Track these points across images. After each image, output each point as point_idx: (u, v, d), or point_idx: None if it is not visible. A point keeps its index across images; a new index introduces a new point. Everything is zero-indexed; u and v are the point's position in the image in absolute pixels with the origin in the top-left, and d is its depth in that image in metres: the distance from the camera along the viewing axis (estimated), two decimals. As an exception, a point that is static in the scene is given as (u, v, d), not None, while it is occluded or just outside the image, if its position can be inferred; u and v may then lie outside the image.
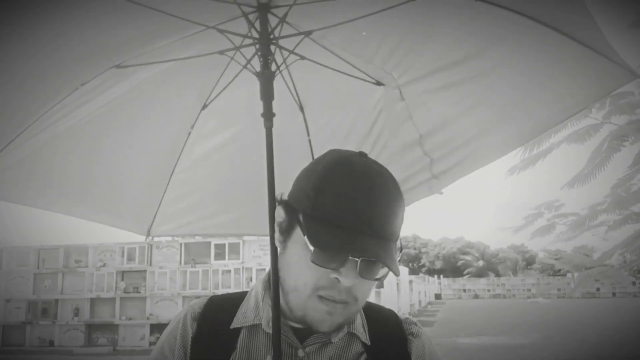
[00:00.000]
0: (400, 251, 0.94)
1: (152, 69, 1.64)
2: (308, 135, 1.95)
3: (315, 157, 1.91)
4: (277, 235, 0.97)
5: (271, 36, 1.46)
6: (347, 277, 0.87)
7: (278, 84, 1.47)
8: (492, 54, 1.62)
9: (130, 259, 12.60)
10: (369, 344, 1.01)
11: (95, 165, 1.88)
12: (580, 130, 4.54)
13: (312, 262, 0.86)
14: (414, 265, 63.90)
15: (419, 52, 1.69)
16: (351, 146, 1.93)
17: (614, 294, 43.66)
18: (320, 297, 0.90)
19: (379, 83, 1.80)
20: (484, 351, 11.97)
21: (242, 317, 1.01)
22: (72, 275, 12.84)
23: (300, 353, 0.97)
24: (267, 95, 1.40)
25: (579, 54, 1.48)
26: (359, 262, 0.85)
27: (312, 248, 0.86)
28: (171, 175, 2.02)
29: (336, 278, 0.87)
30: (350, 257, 0.86)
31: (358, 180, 0.88)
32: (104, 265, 12.68)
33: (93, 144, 1.81)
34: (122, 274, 12.60)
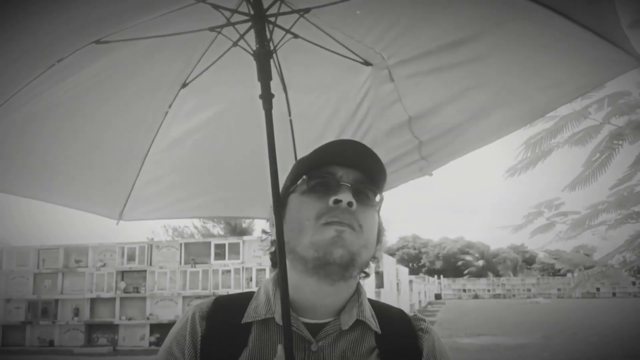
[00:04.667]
0: (381, 201, 1.06)
1: (134, 46, 1.55)
2: (289, 115, 1.90)
3: (296, 137, 1.91)
4: (270, 225, 1.08)
5: (267, 13, 1.40)
6: (344, 195, 0.97)
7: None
8: (488, 37, 1.58)
9: (130, 259, 12.60)
10: (380, 332, 1.03)
11: (65, 146, 1.76)
12: (580, 132, 4.53)
13: (311, 191, 1.00)
14: (414, 265, 63.90)
15: (413, 33, 1.66)
16: (335, 126, 1.91)
17: (614, 294, 43.66)
18: (326, 224, 0.97)
19: (367, 63, 1.76)
20: (484, 351, 11.97)
21: (253, 312, 1.01)
22: (72, 275, 12.84)
23: (314, 347, 0.97)
24: (265, 75, 1.34)
25: (581, 38, 1.45)
26: (350, 187, 0.99)
27: (307, 185, 1.01)
28: (145, 157, 1.92)
29: (335, 199, 0.97)
30: (342, 183, 0.99)
31: (344, 141, 1.05)
32: (104, 265, 12.68)
33: (63, 124, 1.70)
34: (122, 274, 12.59)
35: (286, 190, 1.07)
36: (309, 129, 1.90)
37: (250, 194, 1.99)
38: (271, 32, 1.42)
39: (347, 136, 1.88)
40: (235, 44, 1.51)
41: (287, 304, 0.97)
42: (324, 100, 1.91)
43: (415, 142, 1.86)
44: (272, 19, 1.43)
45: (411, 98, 1.81)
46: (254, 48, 1.36)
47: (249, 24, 1.42)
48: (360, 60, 1.75)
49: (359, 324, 1.02)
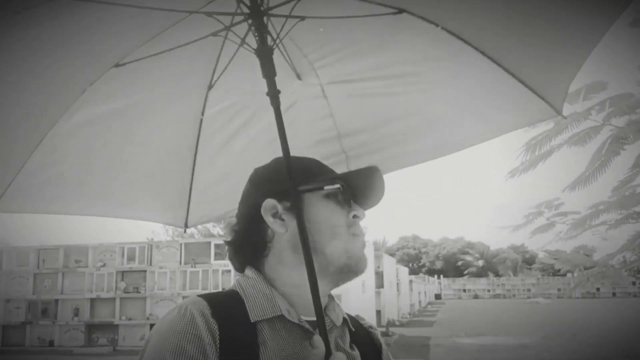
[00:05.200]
0: None
1: (153, 63, 1.60)
2: (202, 115, 1.92)
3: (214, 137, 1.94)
4: (277, 222, 1.08)
5: (262, 8, 1.40)
6: (362, 210, 1.10)
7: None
8: (429, 72, 1.73)
9: (130, 259, 12.60)
10: (353, 330, 1.14)
11: (115, 162, 1.87)
12: (580, 133, 4.53)
13: (336, 199, 1.08)
14: (414, 265, 63.94)
15: (355, 60, 1.76)
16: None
17: (614, 294, 43.70)
18: (354, 235, 1.08)
19: (298, 77, 1.81)
20: (484, 351, 11.97)
21: (261, 311, 1.00)
22: (72, 275, 12.85)
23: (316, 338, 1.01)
24: (269, 72, 1.34)
25: (509, 86, 1.64)
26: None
27: (341, 194, 1.09)
28: (194, 164, 1.99)
29: (355, 215, 1.08)
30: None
31: (380, 177, 1.15)
32: (104, 265, 12.69)
33: (111, 142, 1.81)
34: (122, 274, 12.60)
35: (295, 188, 1.09)
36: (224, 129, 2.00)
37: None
38: (266, 26, 1.42)
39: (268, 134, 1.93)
40: (241, 45, 1.53)
41: (317, 297, 1.02)
42: (248, 101, 1.93)
43: (342, 156, 1.94)
44: (269, 16, 1.45)
45: (344, 117, 1.92)
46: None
47: (250, 21, 1.43)
48: (293, 74, 1.81)
49: (344, 320, 1.12)
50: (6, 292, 12.82)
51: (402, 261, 54.27)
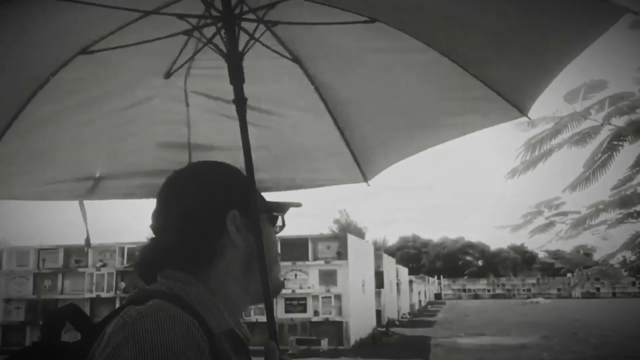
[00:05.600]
0: None
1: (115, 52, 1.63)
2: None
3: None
4: (239, 235, 1.05)
5: (235, 12, 1.41)
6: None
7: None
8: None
9: (130, 259, 12.59)
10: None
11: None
12: (580, 133, 4.53)
13: (281, 228, 1.17)
14: (414, 265, 63.90)
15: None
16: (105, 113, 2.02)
17: (614, 294, 43.61)
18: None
19: (166, 76, 1.86)
20: (484, 351, 11.97)
21: (217, 323, 0.94)
22: (72, 275, 12.84)
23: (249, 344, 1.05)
24: (238, 78, 1.36)
25: (474, 88, 1.75)
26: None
27: (278, 225, 1.16)
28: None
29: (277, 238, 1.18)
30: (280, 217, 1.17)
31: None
32: (104, 265, 12.69)
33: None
34: (122, 274, 12.59)
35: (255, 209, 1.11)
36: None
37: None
38: (237, 33, 1.41)
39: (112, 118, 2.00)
40: (205, 45, 1.55)
41: (272, 312, 1.17)
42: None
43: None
44: (241, 21, 1.46)
45: (199, 129, 2.03)
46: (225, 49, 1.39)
47: (220, 24, 1.44)
48: (161, 73, 1.85)
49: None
50: (6, 292, 12.82)
51: (402, 261, 54.25)
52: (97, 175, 2.05)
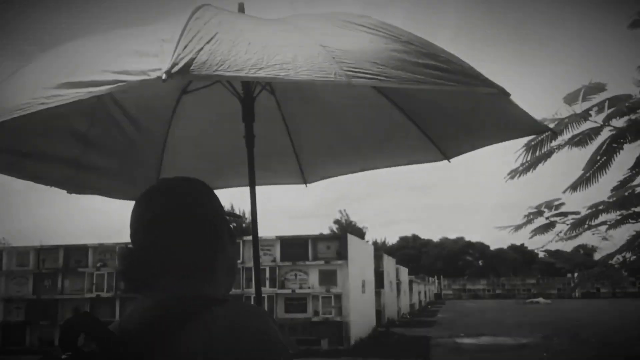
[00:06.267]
0: None
1: None
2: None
3: None
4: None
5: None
6: None
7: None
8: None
9: (131, 259, 12.59)
10: None
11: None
12: (580, 134, 4.53)
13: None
14: (414, 265, 63.89)
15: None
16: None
17: (614, 294, 43.58)
18: None
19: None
20: (484, 351, 11.97)
21: None
22: (72, 275, 12.84)
23: None
24: (249, 117, 1.81)
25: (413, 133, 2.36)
26: None
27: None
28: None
29: None
30: None
31: None
32: (104, 265, 12.68)
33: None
34: (122, 274, 12.58)
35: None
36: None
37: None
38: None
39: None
40: (225, 86, 1.94)
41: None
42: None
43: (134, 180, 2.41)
44: None
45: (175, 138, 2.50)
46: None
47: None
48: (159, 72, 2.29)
49: None
50: (6, 292, 12.82)
51: (402, 261, 54.24)
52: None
